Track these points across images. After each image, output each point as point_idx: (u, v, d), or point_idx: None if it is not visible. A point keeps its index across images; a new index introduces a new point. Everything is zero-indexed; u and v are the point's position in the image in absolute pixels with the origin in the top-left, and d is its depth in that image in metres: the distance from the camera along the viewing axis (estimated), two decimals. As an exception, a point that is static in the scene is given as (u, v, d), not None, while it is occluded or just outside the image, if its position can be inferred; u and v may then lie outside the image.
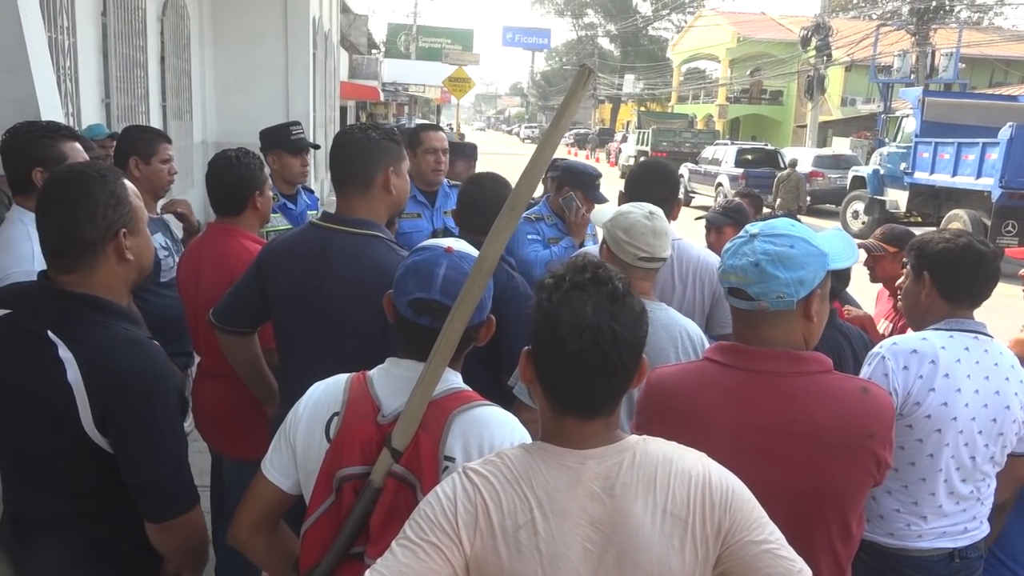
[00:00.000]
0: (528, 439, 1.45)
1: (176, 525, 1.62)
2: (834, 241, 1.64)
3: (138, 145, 3.13)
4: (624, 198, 2.92)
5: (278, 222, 3.48)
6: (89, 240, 1.59)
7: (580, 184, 3.62)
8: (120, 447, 1.58)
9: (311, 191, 4.16)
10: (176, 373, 1.69)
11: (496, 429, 1.45)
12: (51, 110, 4.72)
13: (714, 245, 3.75)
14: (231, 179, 2.71)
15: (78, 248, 1.60)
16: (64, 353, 1.54)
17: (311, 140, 4.02)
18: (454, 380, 1.52)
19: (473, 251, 1.55)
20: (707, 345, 2.25)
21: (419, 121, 35.12)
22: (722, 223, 3.79)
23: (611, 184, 5.39)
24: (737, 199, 4.25)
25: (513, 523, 1.19)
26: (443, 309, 1.45)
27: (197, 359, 2.94)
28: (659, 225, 2.26)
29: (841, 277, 2.62)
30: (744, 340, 1.61)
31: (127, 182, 1.67)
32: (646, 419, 1.64)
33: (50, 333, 1.55)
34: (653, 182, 2.92)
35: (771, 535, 1.22)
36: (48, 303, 1.60)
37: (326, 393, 1.53)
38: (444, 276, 1.49)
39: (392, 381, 1.51)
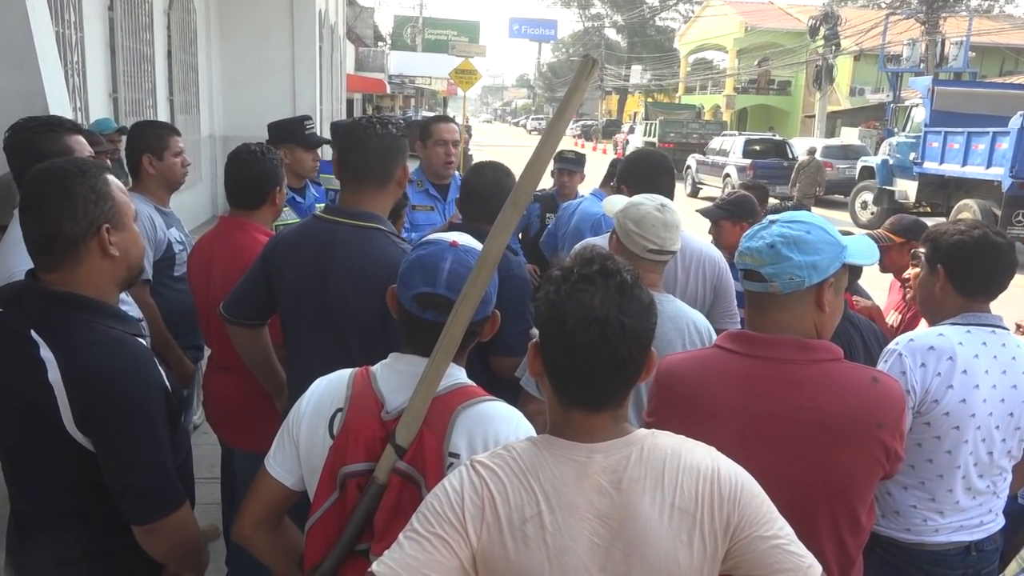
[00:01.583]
0: (533, 434, 1.44)
1: (158, 528, 1.59)
2: (857, 241, 1.66)
3: (149, 141, 3.13)
4: (626, 190, 2.92)
5: (287, 216, 3.48)
6: (71, 237, 1.56)
7: None
8: (100, 449, 1.56)
9: (318, 184, 4.16)
10: (160, 374, 1.65)
11: (501, 424, 1.43)
12: (59, 105, 4.73)
13: (713, 238, 3.74)
14: (255, 173, 2.70)
15: (60, 246, 1.57)
16: (45, 353, 1.52)
17: (319, 134, 4.01)
18: (458, 375, 1.51)
19: (479, 245, 1.53)
20: (714, 337, 2.25)
21: (425, 113, 35.10)
22: (717, 216, 3.77)
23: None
24: (741, 191, 4.23)
25: (520, 516, 1.19)
26: (448, 303, 1.43)
27: (208, 352, 2.95)
28: (670, 218, 2.25)
29: (853, 270, 2.62)
30: (755, 325, 1.62)
31: (111, 177, 1.63)
32: (656, 406, 1.65)
33: (33, 332, 1.53)
34: (657, 173, 2.91)
35: (780, 530, 1.21)
36: (33, 302, 1.58)
37: (329, 389, 1.52)
38: (449, 270, 1.48)
39: (395, 376, 1.50)
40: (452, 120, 4.10)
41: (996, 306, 2.13)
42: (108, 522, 1.63)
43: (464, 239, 1.55)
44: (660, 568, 1.17)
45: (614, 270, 1.23)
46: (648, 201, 2.28)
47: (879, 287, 3.60)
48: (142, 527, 1.59)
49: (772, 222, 1.61)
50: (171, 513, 1.60)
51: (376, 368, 1.53)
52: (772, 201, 5.14)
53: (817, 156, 17.63)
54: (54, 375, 1.51)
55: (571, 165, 5.04)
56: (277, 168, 2.75)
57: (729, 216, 3.72)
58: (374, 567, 1.19)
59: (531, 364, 1.28)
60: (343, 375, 1.53)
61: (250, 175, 2.70)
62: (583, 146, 37.54)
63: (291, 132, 3.79)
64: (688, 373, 1.61)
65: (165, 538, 1.62)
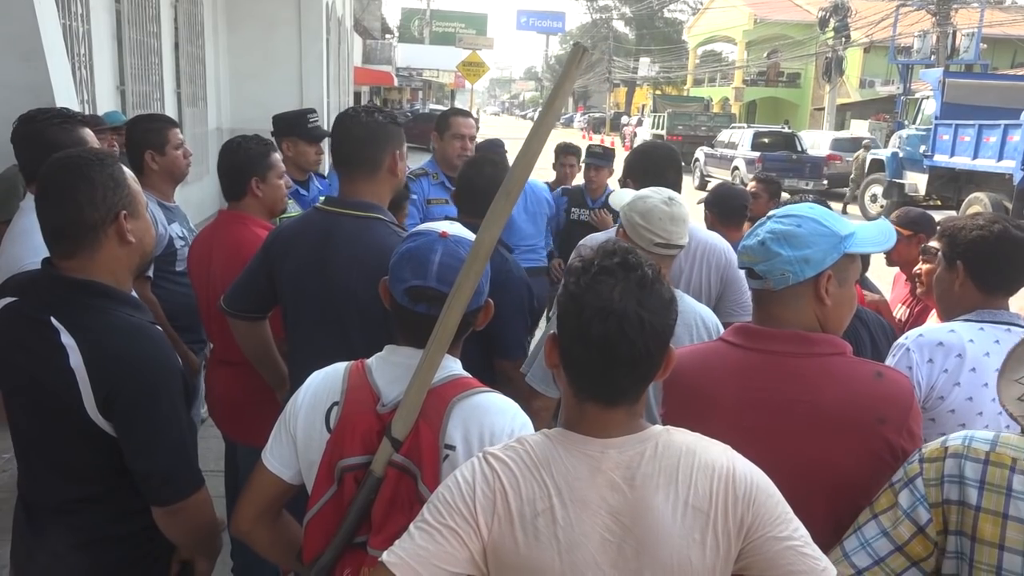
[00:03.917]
0: (530, 426, 1.44)
1: (180, 509, 1.63)
2: (868, 228, 1.62)
3: (149, 137, 3.12)
4: (632, 183, 2.90)
5: (291, 208, 3.47)
6: (90, 223, 1.59)
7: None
8: (123, 433, 1.59)
9: (323, 176, 4.15)
10: (177, 359, 1.69)
11: (496, 416, 1.43)
12: (66, 97, 4.73)
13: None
14: (227, 164, 2.74)
15: (80, 232, 1.60)
16: (66, 339, 1.54)
17: (325, 127, 4.00)
18: (453, 367, 1.50)
19: (469, 235, 1.53)
20: (722, 332, 2.23)
21: (433, 106, 35.05)
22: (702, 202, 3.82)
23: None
24: (725, 182, 4.29)
25: (531, 510, 1.18)
26: (440, 296, 1.43)
27: (210, 346, 2.95)
28: (677, 211, 2.23)
29: (862, 260, 2.58)
30: (759, 321, 1.61)
31: (124, 167, 1.67)
32: (665, 398, 1.65)
33: (53, 319, 1.56)
34: (664, 166, 2.89)
35: (795, 532, 1.19)
36: (51, 289, 1.61)
37: (325, 382, 1.52)
38: (440, 262, 1.47)
39: (391, 369, 1.49)
40: (470, 114, 4.08)
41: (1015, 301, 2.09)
42: (121, 508, 1.66)
43: (454, 229, 1.54)
44: (672, 566, 1.16)
45: (635, 263, 1.21)
46: (655, 194, 2.26)
47: (884, 281, 3.57)
48: (164, 509, 1.63)
49: (768, 218, 1.60)
50: (192, 495, 1.64)
51: (371, 361, 1.53)
52: (784, 196, 5.11)
53: (825, 151, 17.71)
54: (76, 360, 1.54)
55: (598, 160, 5.02)
56: (253, 159, 2.73)
57: (707, 206, 3.77)
58: (384, 556, 1.19)
59: (548, 356, 1.27)
60: (338, 368, 1.53)
61: (224, 166, 2.75)
62: (591, 139, 37.45)
63: (294, 125, 3.79)
64: (690, 365, 1.60)
65: (185, 520, 1.65)
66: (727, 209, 3.75)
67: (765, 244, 1.54)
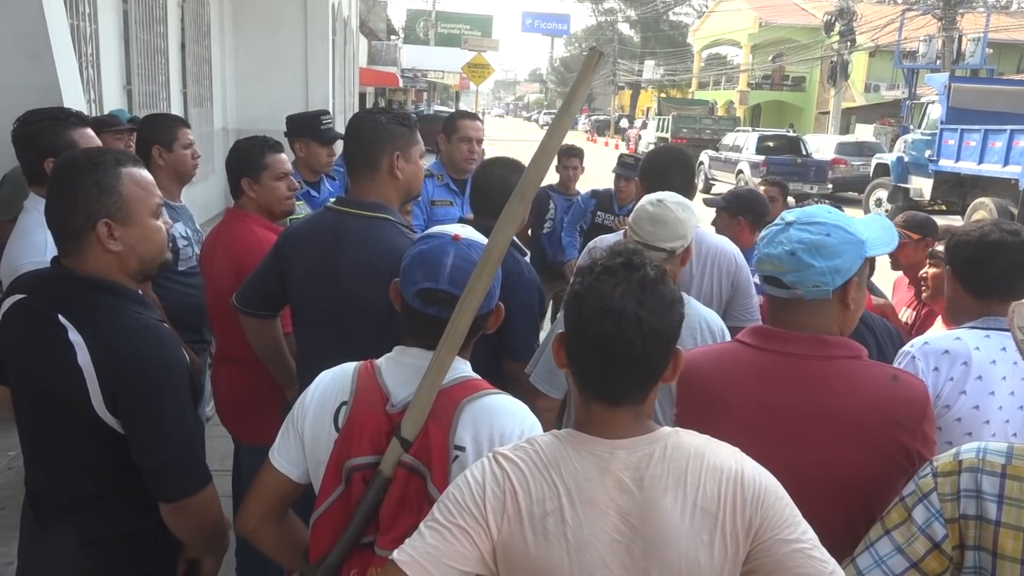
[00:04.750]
0: (539, 428, 1.45)
1: (186, 505, 1.63)
2: (872, 227, 1.62)
3: (158, 134, 3.15)
4: (640, 185, 2.91)
5: (301, 210, 3.48)
6: (71, 228, 1.61)
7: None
8: (130, 430, 1.59)
9: (333, 178, 4.16)
10: (185, 356, 1.70)
11: (506, 418, 1.43)
12: (73, 97, 4.76)
13: (716, 228, 3.74)
14: (227, 164, 2.81)
15: (67, 235, 1.62)
16: (74, 336, 1.55)
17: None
18: (463, 368, 1.51)
19: (481, 238, 1.53)
20: (727, 335, 2.23)
21: (438, 108, 35.06)
22: (717, 206, 3.78)
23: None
24: (745, 186, 4.22)
25: (541, 510, 1.19)
26: (451, 299, 1.44)
27: (213, 346, 2.96)
28: (660, 213, 2.19)
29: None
30: (776, 326, 1.60)
31: (128, 171, 1.64)
32: (678, 399, 1.65)
33: (60, 316, 1.56)
34: (670, 168, 2.89)
35: (803, 535, 1.19)
36: (58, 287, 1.62)
37: (334, 382, 1.52)
38: (452, 265, 1.47)
39: (400, 370, 1.50)
40: (477, 117, 4.07)
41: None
42: (128, 506, 1.66)
43: (466, 232, 1.55)
44: (680, 567, 1.17)
45: (639, 264, 1.22)
46: (653, 196, 2.27)
47: (882, 284, 3.55)
48: (170, 505, 1.63)
49: (789, 224, 1.57)
50: (198, 491, 1.64)
51: (381, 361, 1.54)
52: (790, 200, 5.09)
53: (830, 155, 17.60)
54: (83, 358, 1.54)
55: (630, 171, 5.05)
56: (247, 160, 2.76)
57: (726, 208, 3.71)
58: (395, 555, 1.20)
59: (556, 355, 1.29)
60: (347, 368, 1.53)
61: (226, 166, 2.81)
62: (595, 141, 37.46)
63: (307, 127, 3.80)
64: (702, 364, 1.60)
65: (192, 517, 1.66)
66: (759, 216, 3.70)
67: (796, 255, 1.52)
